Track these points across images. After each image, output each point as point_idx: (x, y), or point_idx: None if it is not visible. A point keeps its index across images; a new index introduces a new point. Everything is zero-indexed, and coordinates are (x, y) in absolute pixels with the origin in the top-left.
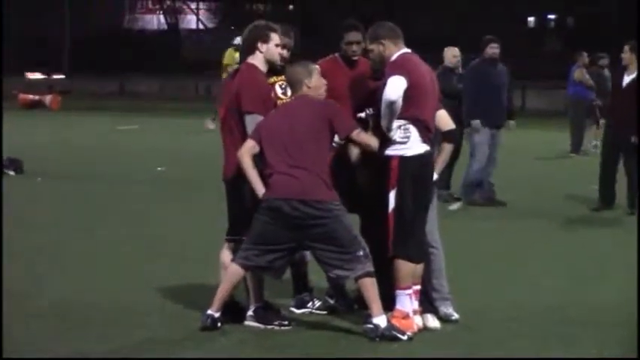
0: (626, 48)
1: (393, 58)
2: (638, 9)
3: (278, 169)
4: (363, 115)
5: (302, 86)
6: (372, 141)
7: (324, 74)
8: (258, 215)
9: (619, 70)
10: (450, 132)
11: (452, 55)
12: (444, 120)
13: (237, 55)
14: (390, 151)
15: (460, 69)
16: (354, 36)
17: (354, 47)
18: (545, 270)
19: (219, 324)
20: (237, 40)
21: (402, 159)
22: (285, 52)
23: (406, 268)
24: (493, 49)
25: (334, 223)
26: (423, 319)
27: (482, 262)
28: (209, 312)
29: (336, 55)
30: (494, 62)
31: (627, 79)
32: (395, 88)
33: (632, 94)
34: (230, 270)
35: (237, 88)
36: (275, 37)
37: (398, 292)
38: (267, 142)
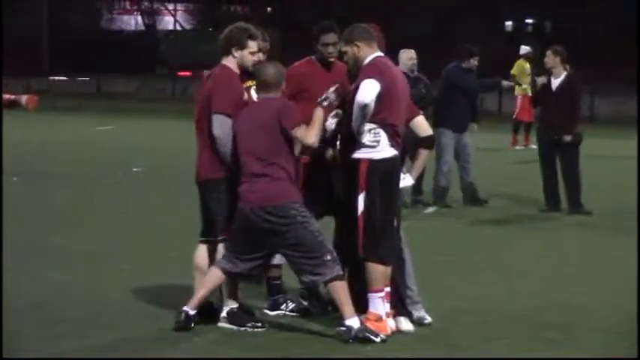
0: (549, 52)
1: (367, 60)
2: (638, 11)
3: (244, 177)
4: (322, 97)
5: (278, 89)
6: (308, 137)
7: (300, 76)
8: (234, 224)
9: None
10: (427, 138)
11: (408, 57)
12: (423, 126)
13: (527, 65)
14: (359, 154)
15: (415, 72)
16: (330, 37)
17: (330, 49)
18: (520, 272)
19: (192, 323)
20: (524, 50)
21: (371, 162)
22: (261, 56)
23: (378, 271)
24: (476, 62)
25: (299, 229)
26: (396, 322)
27: (458, 264)
28: (185, 308)
29: (312, 57)
30: (472, 72)
31: (555, 82)
32: (368, 91)
33: (563, 96)
34: (212, 273)
35: (210, 89)
36: (252, 45)
37: (370, 294)
38: (238, 149)
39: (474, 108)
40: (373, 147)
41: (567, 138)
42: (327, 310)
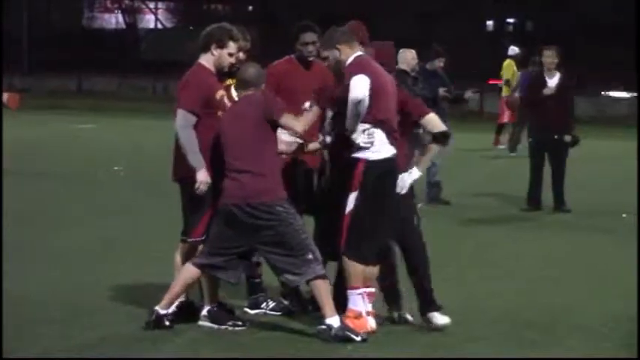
0: (552, 53)
1: (350, 60)
2: (638, 12)
3: (227, 174)
4: (306, 105)
5: (258, 89)
6: (296, 124)
7: (280, 75)
8: (215, 219)
9: (537, 74)
10: (441, 134)
11: (412, 57)
12: (435, 122)
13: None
14: (358, 154)
15: (414, 72)
16: (309, 37)
17: (310, 48)
18: (501, 272)
19: (166, 322)
20: (513, 51)
21: (368, 162)
22: (241, 55)
23: (355, 268)
24: (442, 63)
25: (282, 227)
26: (430, 318)
27: (439, 263)
28: (156, 307)
29: (292, 56)
30: (436, 74)
31: (551, 81)
32: (360, 86)
33: (561, 96)
34: (185, 270)
35: (182, 85)
36: (232, 46)
37: (349, 291)
38: (223, 146)
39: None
40: (370, 146)
41: (567, 138)
42: (307, 308)
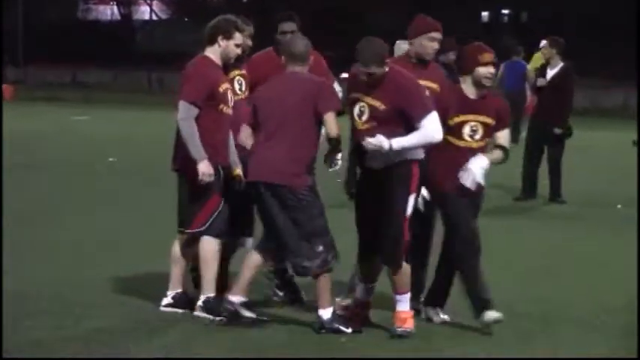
0: (545, 43)
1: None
2: (638, 10)
3: (258, 149)
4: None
5: (306, 63)
6: (334, 129)
7: (258, 66)
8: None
9: (543, 65)
10: (504, 149)
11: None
12: (507, 137)
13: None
14: (410, 156)
15: None
16: (288, 26)
17: (288, 37)
18: (497, 263)
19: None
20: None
21: (420, 162)
22: (249, 42)
23: (408, 271)
24: (454, 55)
25: (300, 212)
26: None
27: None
28: (231, 299)
29: (272, 48)
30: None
31: (550, 73)
32: (439, 126)
33: (556, 87)
34: (250, 258)
35: (184, 76)
36: (238, 37)
37: (404, 296)
38: (258, 119)
39: None
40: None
41: (557, 131)
42: (301, 299)
